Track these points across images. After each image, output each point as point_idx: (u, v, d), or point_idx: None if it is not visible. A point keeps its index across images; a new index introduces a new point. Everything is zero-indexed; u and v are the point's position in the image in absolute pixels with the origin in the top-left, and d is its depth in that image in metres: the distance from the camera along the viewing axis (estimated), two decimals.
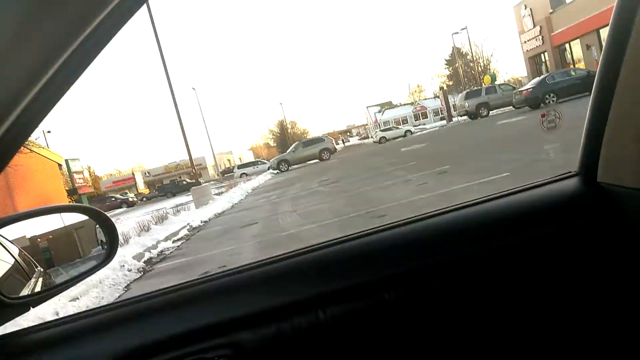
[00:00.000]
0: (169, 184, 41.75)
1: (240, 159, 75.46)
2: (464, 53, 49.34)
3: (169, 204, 22.87)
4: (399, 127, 40.88)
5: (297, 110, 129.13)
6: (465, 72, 46.12)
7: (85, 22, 0.61)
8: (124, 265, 6.97)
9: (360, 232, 1.02)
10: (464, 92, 27.83)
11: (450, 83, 52.90)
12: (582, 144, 0.94)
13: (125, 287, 6.39)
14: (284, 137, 73.27)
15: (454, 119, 33.67)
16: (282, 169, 28.32)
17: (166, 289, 1.00)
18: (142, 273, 7.06)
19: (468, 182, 6.94)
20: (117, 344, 0.91)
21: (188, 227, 10.92)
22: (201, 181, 20.29)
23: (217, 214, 13.01)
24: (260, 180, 23.95)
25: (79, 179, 25.63)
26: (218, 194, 18.22)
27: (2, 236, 1.22)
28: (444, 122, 36.79)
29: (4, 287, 1.05)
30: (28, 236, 1.35)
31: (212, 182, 31.31)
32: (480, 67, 47.51)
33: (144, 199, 41.24)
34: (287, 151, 30.85)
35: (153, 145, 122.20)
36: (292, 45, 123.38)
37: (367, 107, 66.74)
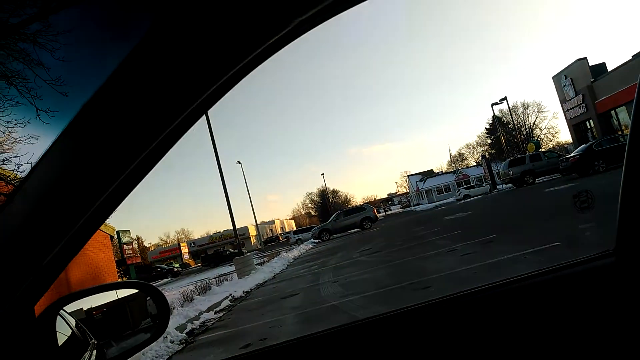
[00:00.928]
0: (213, 255, 42.30)
1: (282, 228, 76.02)
2: (505, 122, 49.30)
3: (212, 273, 23.07)
4: (482, 184, 40.68)
5: (339, 178, 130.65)
6: (508, 140, 45.80)
7: (164, 126, 0.76)
8: (166, 337, 6.99)
9: (399, 309, 1.03)
10: (508, 160, 27.49)
11: (493, 151, 52.47)
12: (618, 221, 0.91)
13: (167, 359, 6.37)
14: (325, 206, 73.76)
15: (498, 187, 33.03)
16: (324, 238, 28.25)
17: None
18: (184, 345, 7.04)
19: (516, 252, 6.69)
20: None
21: (230, 297, 10.93)
22: (244, 251, 20.52)
23: (258, 284, 12.99)
24: (301, 250, 23.92)
25: (129, 249, 26.49)
26: (260, 264, 18.27)
27: (64, 311, 1.31)
28: (488, 189, 36.11)
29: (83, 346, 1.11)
30: (85, 308, 1.41)
31: (254, 252, 31.48)
32: (523, 134, 47.11)
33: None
34: (329, 220, 30.88)
35: (199, 216, 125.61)
36: (333, 114, 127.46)
37: (408, 176, 66.75)
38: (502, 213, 15.43)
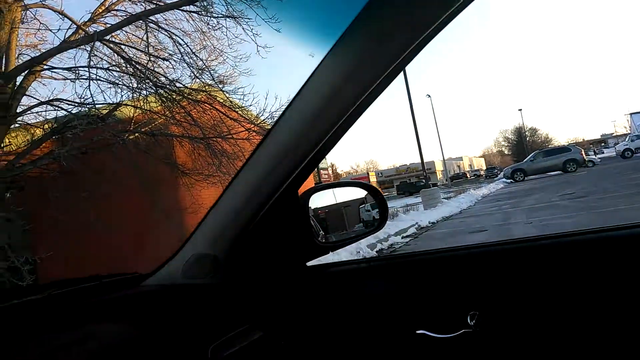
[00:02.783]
0: (409, 184, 43.68)
1: (470, 165, 73.13)
2: None
3: (398, 203, 23.91)
4: None
5: (539, 115, 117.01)
6: None
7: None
8: (359, 252, 7.76)
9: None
10: None
11: None
12: None
13: None
14: (521, 145, 67.70)
15: None
16: (517, 179, 26.31)
17: (439, 250, 1.24)
18: None
19: None
20: (390, 285, 1.19)
21: (416, 226, 11.35)
22: (438, 183, 20.61)
23: (444, 217, 13.11)
24: (491, 189, 22.93)
25: (325, 174, 29.07)
26: (446, 198, 18.22)
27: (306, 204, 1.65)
28: None
29: (316, 235, 1.45)
30: (313, 207, 1.76)
31: (441, 187, 31.28)
32: None
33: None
34: (524, 160, 28.45)
35: (386, 147, 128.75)
36: (535, 43, 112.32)
37: (630, 114, 56.11)
38: None
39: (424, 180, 40.14)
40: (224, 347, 0.97)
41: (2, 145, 5.78)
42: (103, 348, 0.85)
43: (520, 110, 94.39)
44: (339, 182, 1.66)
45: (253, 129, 7.75)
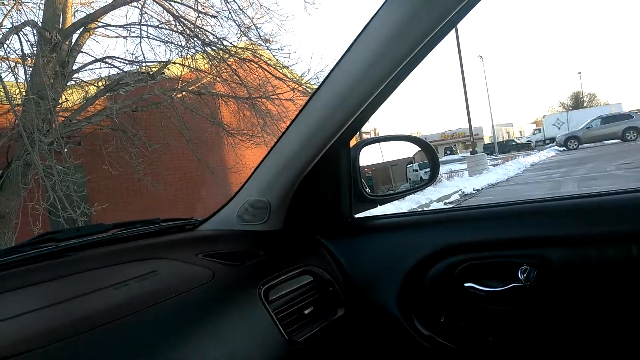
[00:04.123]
0: (492, 144, 43.22)
1: (520, 132, 70.50)
2: None
3: (441, 169, 23.48)
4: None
5: (600, 79, 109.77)
6: None
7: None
8: None
9: None
10: None
11: None
12: None
13: None
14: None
15: None
16: (570, 147, 25.08)
17: (490, 204, 1.22)
18: None
19: None
20: (439, 238, 1.18)
21: (460, 192, 11.14)
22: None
23: (490, 185, 12.79)
24: (541, 157, 22.10)
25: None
26: (493, 166, 17.73)
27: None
28: None
29: (364, 188, 1.44)
30: (361, 164, 1.75)
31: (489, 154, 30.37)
32: None
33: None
34: (580, 127, 27.01)
35: (430, 112, 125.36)
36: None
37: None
38: None
39: (515, 141, 39.23)
40: (273, 289, 1.00)
41: (60, 102, 6.03)
42: (161, 284, 0.90)
43: (579, 73, 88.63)
44: (391, 136, 1.63)
45: (297, 88, 7.71)
